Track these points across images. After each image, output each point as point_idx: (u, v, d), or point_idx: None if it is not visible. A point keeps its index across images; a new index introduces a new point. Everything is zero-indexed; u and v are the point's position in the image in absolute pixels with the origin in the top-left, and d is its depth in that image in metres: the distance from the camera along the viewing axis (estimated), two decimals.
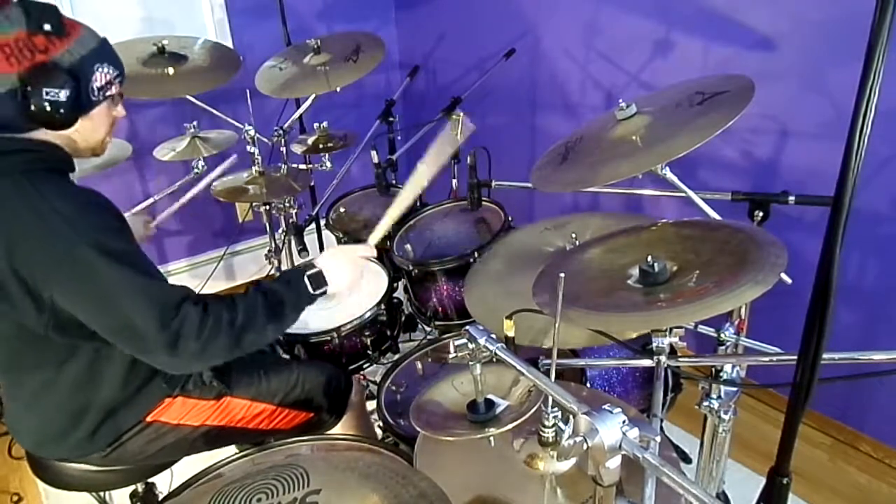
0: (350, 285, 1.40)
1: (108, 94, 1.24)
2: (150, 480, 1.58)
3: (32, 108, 1.12)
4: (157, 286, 1.18)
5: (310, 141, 2.62)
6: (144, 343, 1.16)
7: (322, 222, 2.70)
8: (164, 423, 1.40)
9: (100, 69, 1.21)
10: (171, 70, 2.27)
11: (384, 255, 2.12)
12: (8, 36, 1.11)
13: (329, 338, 1.75)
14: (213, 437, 1.47)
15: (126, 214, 1.83)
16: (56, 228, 1.12)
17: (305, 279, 1.33)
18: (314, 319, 1.80)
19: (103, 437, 1.35)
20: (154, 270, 1.23)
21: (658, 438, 0.93)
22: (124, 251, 1.16)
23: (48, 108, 1.13)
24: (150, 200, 2.29)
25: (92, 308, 1.16)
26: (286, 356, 1.83)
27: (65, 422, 1.32)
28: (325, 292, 1.35)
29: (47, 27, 1.13)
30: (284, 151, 2.45)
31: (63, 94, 1.14)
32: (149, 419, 1.38)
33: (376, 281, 1.91)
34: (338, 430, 1.62)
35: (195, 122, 2.50)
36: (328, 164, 2.54)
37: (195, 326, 1.17)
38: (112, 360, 1.29)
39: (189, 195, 2.09)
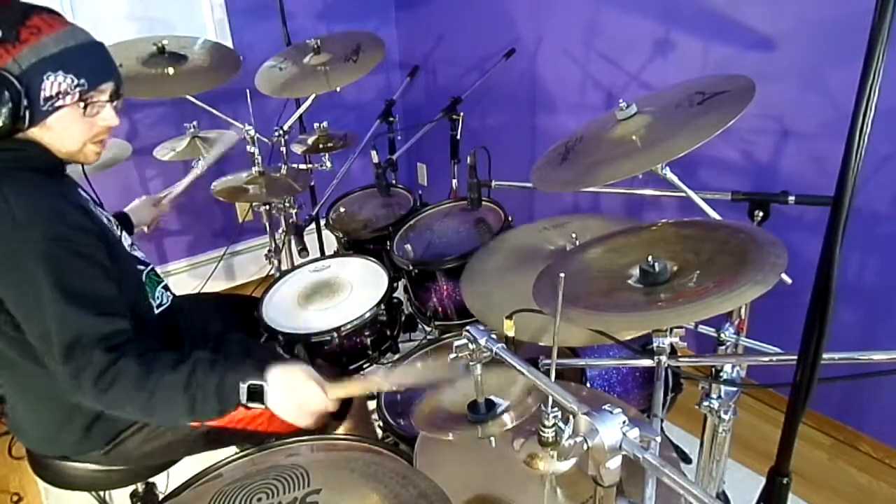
0: (287, 415, 1.27)
1: (58, 104, 1.18)
2: (150, 480, 1.58)
3: None
4: (79, 317, 1.15)
5: (310, 141, 2.62)
6: (53, 365, 1.17)
7: (322, 222, 2.70)
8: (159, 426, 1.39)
9: (50, 78, 1.15)
10: (171, 70, 2.27)
11: (384, 255, 2.11)
12: None
13: (329, 338, 1.74)
14: (212, 438, 1.46)
15: (132, 206, 1.82)
16: (5, 231, 1.12)
17: (243, 390, 1.23)
18: (314, 319, 1.80)
19: (99, 435, 1.35)
20: (95, 298, 1.18)
21: (658, 438, 0.93)
22: (66, 270, 1.15)
23: None
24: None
25: (21, 313, 1.17)
26: (286, 356, 1.83)
27: (59, 419, 1.32)
28: (256, 404, 1.24)
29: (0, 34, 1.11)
30: (284, 151, 2.44)
31: (3, 104, 1.12)
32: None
33: (376, 281, 1.91)
34: (338, 430, 1.62)
35: (195, 122, 2.50)
36: (328, 164, 2.54)
37: (94, 373, 1.15)
38: None
39: (196, 172, 2.08)
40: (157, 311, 1.41)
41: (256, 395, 1.23)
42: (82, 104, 1.21)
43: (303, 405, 1.28)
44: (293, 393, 1.27)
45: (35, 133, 1.20)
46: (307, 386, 1.28)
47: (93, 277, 1.19)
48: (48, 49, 1.14)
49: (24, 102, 1.14)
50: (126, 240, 1.40)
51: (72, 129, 1.22)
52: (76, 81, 1.18)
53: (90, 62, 1.21)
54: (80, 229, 1.19)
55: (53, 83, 1.15)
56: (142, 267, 1.40)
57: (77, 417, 1.32)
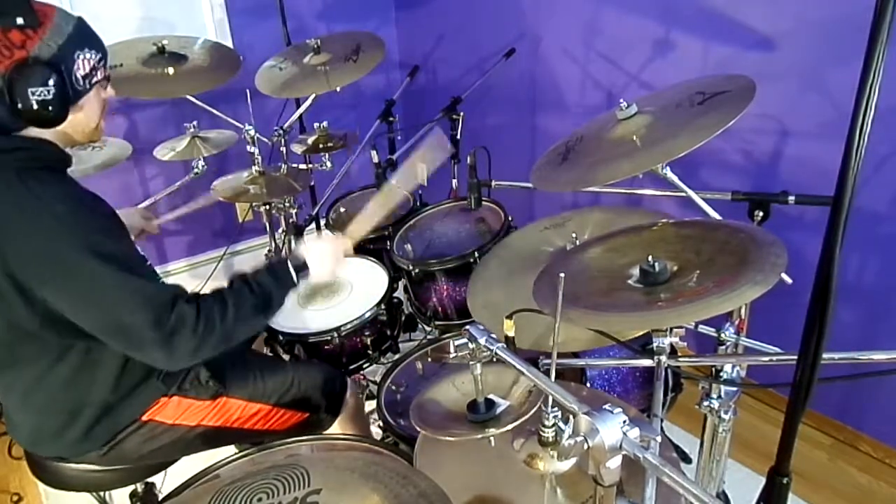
0: (329, 275, 1.45)
1: (93, 80, 1.19)
2: (149, 480, 1.58)
3: (20, 107, 1.09)
4: (150, 286, 1.18)
5: (310, 141, 2.62)
6: (139, 342, 1.17)
7: (322, 222, 2.70)
8: (159, 423, 1.39)
9: (81, 55, 1.15)
10: (171, 70, 2.27)
11: (384, 255, 2.12)
12: None
13: (329, 338, 1.75)
14: (209, 438, 1.47)
15: (122, 210, 1.83)
16: (49, 229, 1.11)
17: (291, 269, 1.36)
18: (314, 319, 1.80)
19: (99, 436, 1.35)
20: (146, 270, 1.24)
21: (658, 438, 0.93)
22: (116, 252, 1.15)
23: (36, 107, 1.10)
24: (151, 200, 2.29)
25: (84, 308, 1.16)
26: (286, 356, 1.84)
27: (60, 420, 1.32)
28: (305, 279, 1.39)
29: (20, 21, 1.07)
30: (284, 151, 2.44)
31: (49, 91, 1.10)
32: (144, 418, 1.38)
33: (376, 281, 1.91)
34: (334, 429, 1.62)
35: (195, 122, 2.50)
36: (328, 164, 2.54)
37: (190, 324, 1.17)
38: (104, 359, 1.29)
39: (196, 204, 2.09)
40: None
41: (300, 267, 1.38)
42: (107, 78, 1.23)
43: (337, 253, 1.48)
44: (327, 249, 1.45)
45: (70, 118, 1.17)
46: (332, 239, 1.50)
47: (137, 253, 1.24)
48: (64, 28, 1.13)
49: (68, 84, 1.13)
50: None
51: (97, 107, 1.23)
52: (98, 55, 1.19)
53: (95, 36, 1.21)
54: (112, 216, 1.22)
55: (85, 60, 1.16)
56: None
57: (80, 419, 1.32)
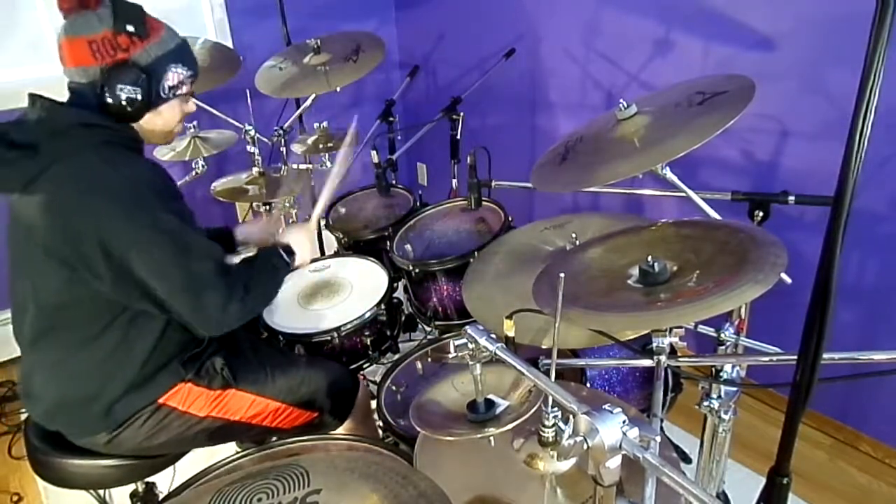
0: (307, 257, 1.62)
1: (178, 92, 1.36)
2: (149, 480, 1.58)
3: (108, 99, 1.26)
4: (215, 246, 1.34)
5: (310, 141, 2.62)
6: (206, 294, 1.29)
7: (322, 222, 2.70)
8: (173, 408, 1.41)
9: (173, 69, 1.33)
10: None
11: (384, 255, 2.12)
12: (97, 33, 1.24)
13: (329, 338, 1.75)
14: (214, 432, 1.47)
15: (250, 225, 2.00)
16: (142, 197, 1.24)
17: (284, 254, 1.51)
18: (314, 319, 1.80)
19: (118, 414, 1.37)
20: (199, 228, 1.39)
21: (658, 438, 0.94)
22: (190, 217, 1.32)
23: (121, 102, 1.27)
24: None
25: (167, 268, 1.26)
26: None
27: (88, 391, 1.35)
28: (292, 264, 1.54)
29: (130, 28, 1.26)
30: (284, 151, 2.45)
31: (136, 91, 1.27)
32: (161, 401, 1.40)
33: (376, 281, 1.91)
34: (342, 430, 1.62)
35: (195, 122, 2.50)
36: (328, 164, 2.54)
37: (242, 281, 1.35)
38: (142, 335, 1.35)
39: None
40: None
41: (289, 252, 1.53)
42: (190, 93, 1.41)
43: (310, 237, 1.64)
44: (303, 236, 1.61)
45: (146, 117, 1.34)
46: (303, 226, 1.67)
47: (193, 217, 1.35)
48: (168, 44, 1.32)
49: (153, 89, 1.31)
50: None
51: (175, 115, 1.40)
52: (189, 73, 1.38)
53: (192, 56, 1.39)
54: (174, 184, 1.35)
55: (175, 74, 1.34)
56: None
57: (106, 393, 1.35)
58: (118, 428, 1.37)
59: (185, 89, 1.38)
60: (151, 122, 1.36)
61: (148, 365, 1.37)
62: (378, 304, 1.80)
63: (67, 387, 1.36)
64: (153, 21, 1.32)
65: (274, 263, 1.49)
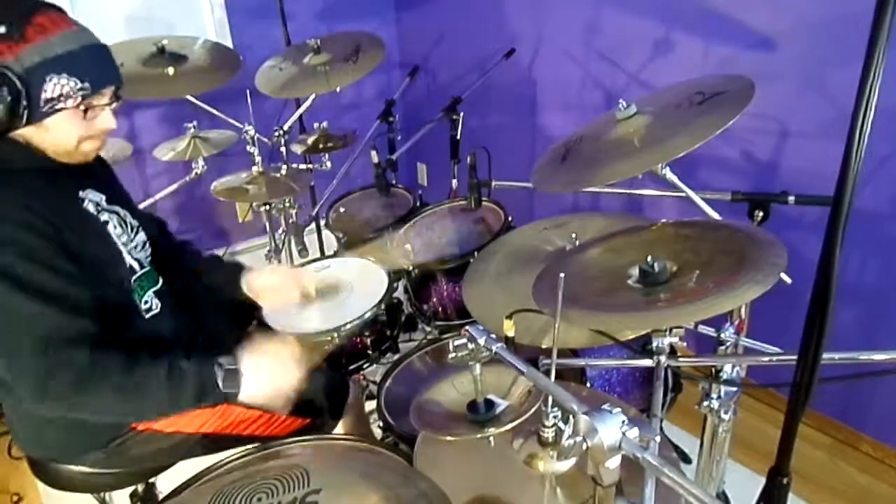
0: (266, 396, 1.32)
1: (60, 106, 1.16)
2: (149, 480, 1.58)
3: None
4: (51, 315, 1.12)
5: (310, 141, 2.62)
6: (17, 365, 1.13)
7: (322, 222, 2.71)
8: (156, 432, 1.37)
9: (53, 80, 1.13)
10: (171, 70, 2.27)
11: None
12: None
13: (329, 338, 1.74)
14: (209, 443, 1.45)
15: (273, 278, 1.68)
16: None
17: (220, 380, 1.25)
18: (314, 319, 1.79)
19: (103, 436, 1.34)
20: (62, 295, 1.15)
21: (658, 438, 0.93)
22: (23, 272, 1.11)
23: None
24: (151, 201, 2.28)
25: None
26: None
27: (62, 426, 1.31)
28: (232, 398, 1.28)
29: (2, 29, 1.09)
30: (284, 151, 2.45)
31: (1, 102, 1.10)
32: (140, 427, 1.36)
33: (376, 281, 1.91)
34: (336, 431, 1.62)
35: (195, 122, 2.50)
36: (328, 164, 2.54)
37: (74, 372, 1.13)
38: None
39: None
40: (147, 316, 1.36)
41: (231, 374, 1.26)
42: (83, 108, 1.19)
43: (276, 392, 1.32)
44: (267, 379, 1.31)
45: (29, 132, 1.18)
46: (282, 369, 1.33)
47: (61, 275, 1.15)
48: (53, 50, 1.12)
49: (24, 102, 1.12)
50: (131, 242, 1.36)
51: (69, 130, 1.20)
52: (79, 85, 1.16)
53: (94, 66, 1.19)
54: (38, 234, 1.14)
55: (56, 85, 1.14)
56: (136, 270, 1.35)
57: (86, 422, 1.29)
58: (105, 448, 1.35)
59: (71, 103, 1.16)
60: (38, 138, 1.19)
61: None
62: (378, 304, 1.80)
63: (43, 427, 1.32)
64: (47, 22, 1.13)
65: (186, 387, 1.21)
